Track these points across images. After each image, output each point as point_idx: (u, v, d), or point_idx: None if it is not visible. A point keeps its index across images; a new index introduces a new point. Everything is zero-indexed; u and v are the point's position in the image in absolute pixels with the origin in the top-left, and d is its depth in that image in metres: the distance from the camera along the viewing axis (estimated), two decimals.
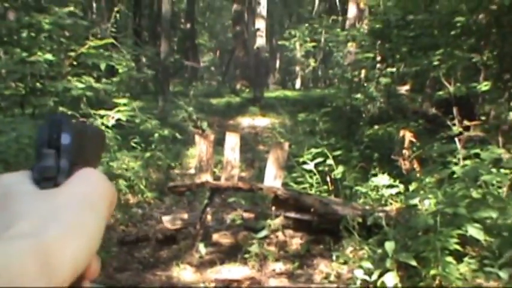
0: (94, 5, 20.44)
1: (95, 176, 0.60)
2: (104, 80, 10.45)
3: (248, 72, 22.68)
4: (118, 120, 9.49)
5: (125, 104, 10.03)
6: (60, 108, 8.67)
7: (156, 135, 11.20)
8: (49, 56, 8.77)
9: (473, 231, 5.61)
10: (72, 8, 10.12)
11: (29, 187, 0.57)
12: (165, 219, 7.68)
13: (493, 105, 11.65)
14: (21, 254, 0.47)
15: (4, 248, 0.47)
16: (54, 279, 0.49)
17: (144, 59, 17.45)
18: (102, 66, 9.52)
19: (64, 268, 0.50)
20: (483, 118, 10.67)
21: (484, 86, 10.23)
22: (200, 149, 7.92)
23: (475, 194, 6.50)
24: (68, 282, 0.50)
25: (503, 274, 5.43)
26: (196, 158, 8.05)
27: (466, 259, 5.75)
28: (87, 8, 18.75)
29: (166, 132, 11.46)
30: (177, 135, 11.88)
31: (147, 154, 10.51)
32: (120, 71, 11.50)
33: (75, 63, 9.65)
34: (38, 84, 9.20)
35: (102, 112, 9.44)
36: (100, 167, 0.61)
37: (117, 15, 15.19)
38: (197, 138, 8.12)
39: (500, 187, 7.44)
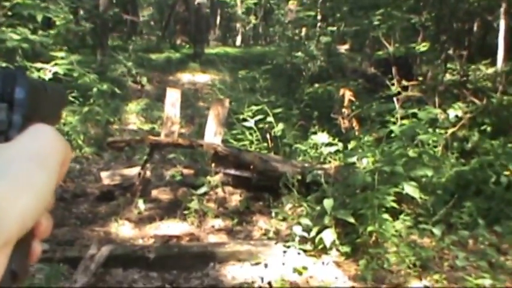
0: None
1: (48, 132, 0.57)
2: (40, 32, 10.15)
3: (188, 28, 22.41)
4: (55, 73, 9.26)
5: (62, 58, 9.78)
6: None
7: (95, 89, 10.98)
8: None
9: (409, 189, 5.74)
10: None
11: None
12: (104, 175, 7.61)
13: (430, 66, 11.86)
14: None
15: None
16: None
17: (82, 12, 17.01)
18: (39, 17, 9.22)
19: (9, 223, 0.48)
20: (421, 78, 10.86)
21: (422, 46, 10.39)
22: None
23: (411, 152, 6.64)
24: (14, 239, 0.49)
25: (436, 231, 5.59)
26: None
27: (401, 216, 5.89)
28: None
29: (105, 86, 11.25)
30: (116, 90, 11.69)
31: (85, 109, 10.30)
32: (57, 23, 11.17)
33: (9, 13, 9.34)
34: None
35: (38, 65, 9.18)
36: None
37: None
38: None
39: (435, 146, 7.62)
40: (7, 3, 9.16)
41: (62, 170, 0.57)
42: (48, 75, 9.05)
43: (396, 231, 5.66)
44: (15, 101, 0.56)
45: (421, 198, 6.00)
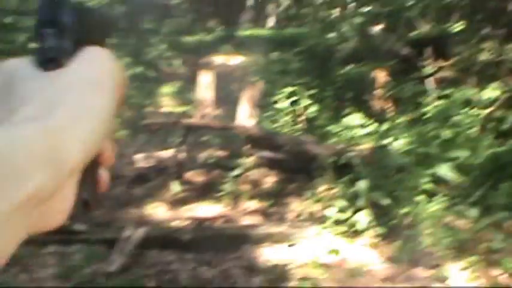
0: None
1: (102, 54, 0.56)
2: None
3: (221, 10, 22.38)
4: None
5: None
6: None
7: (129, 72, 11.05)
8: None
9: (445, 170, 5.69)
10: None
11: (32, 71, 0.53)
12: (138, 157, 7.66)
13: (465, 46, 11.69)
14: (27, 138, 0.45)
15: (9, 133, 0.45)
16: (63, 163, 0.46)
17: None
18: None
19: (73, 152, 0.47)
20: (455, 59, 10.71)
21: (457, 26, 10.24)
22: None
23: (446, 133, 6.57)
24: (79, 167, 0.49)
25: (473, 212, 5.53)
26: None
27: (437, 198, 5.84)
28: None
29: (139, 70, 11.30)
30: (150, 73, 11.73)
31: None
32: None
33: None
34: None
35: None
36: None
37: None
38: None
39: (471, 127, 7.52)
40: None
41: (120, 92, 0.56)
42: None
43: (431, 213, 5.62)
44: (64, 26, 0.55)
45: (456, 179, 5.94)
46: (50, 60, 0.53)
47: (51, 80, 0.52)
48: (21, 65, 0.54)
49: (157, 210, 6.59)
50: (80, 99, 0.51)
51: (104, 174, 0.57)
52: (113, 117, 0.54)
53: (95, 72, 0.54)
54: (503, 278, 4.84)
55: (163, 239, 5.52)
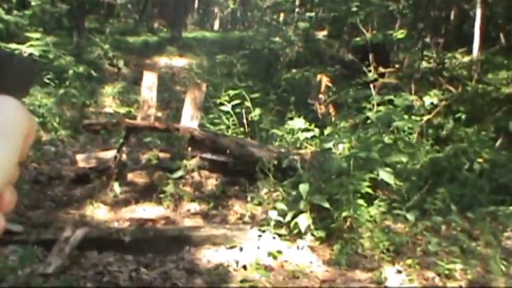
0: None
1: (11, 104, 0.56)
2: (15, 12, 10.03)
3: (166, 11, 22.28)
4: (30, 55, 9.17)
5: (37, 39, 9.69)
6: None
7: (71, 72, 10.88)
8: None
9: (385, 175, 5.79)
10: None
11: None
12: (79, 157, 7.56)
13: (407, 53, 11.93)
14: None
15: None
16: None
17: None
18: None
19: None
20: (397, 65, 10.92)
21: (400, 34, 10.43)
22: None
23: (387, 139, 6.69)
24: None
25: (410, 216, 5.65)
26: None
27: (376, 202, 5.94)
28: None
29: (81, 69, 11.15)
30: (93, 72, 11.60)
31: (61, 91, 10.21)
32: (32, 3, 11.05)
33: None
34: None
35: (13, 46, 9.08)
36: None
37: None
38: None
39: (411, 133, 7.69)
40: None
41: (26, 143, 0.56)
42: None
43: (371, 216, 5.70)
44: None
45: (395, 184, 6.06)
46: None
47: None
48: None
49: (98, 211, 6.52)
50: None
51: (0, 220, 0.56)
52: (15, 166, 0.54)
53: (2, 120, 0.54)
54: (438, 280, 4.96)
55: (103, 240, 5.45)
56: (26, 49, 9.05)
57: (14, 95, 0.59)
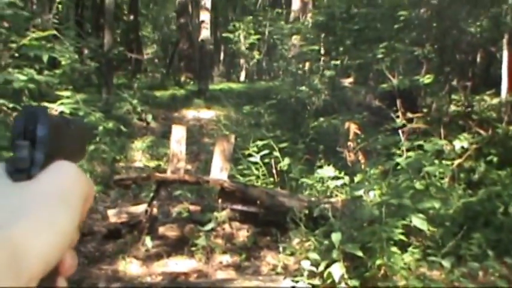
0: None
1: (71, 169, 0.59)
2: (46, 72, 10.21)
3: (193, 65, 22.53)
4: (61, 113, 9.30)
5: (68, 97, 9.83)
6: (1, 101, 8.46)
7: (101, 128, 11.01)
8: None
9: (417, 221, 5.71)
10: None
11: (1, 179, 0.55)
12: (111, 212, 7.59)
13: (434, 98, 11.89)
14: None
15: None
16: (21, 272, 0.48)
17: (87, 51, 17.16)
18: (45, 58, 9.28)
19: (32, 262, 0.49)
20: (425, 110, 10.87)
21: (426, 79, 10.42)
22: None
23: (418, 185, 6.62)
24: (37, 277, 0.50)
25: (445, 263, 5.55)
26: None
27: (410, 249, 5.85)
28: None
29: (110, 125, 11.28)
30: (122, 128, 11.73)
31: (92, 147, 10.33)
32: (62, 63, 11.26)
33: (16, 54, 9.42)
34: None
35: (45, 105, 9.21)
36: None
37: (59, 6, 14.92)
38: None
39: (442, 178, 7.60)
40: (14, 45, 9.25)
41: (85, 206, 0.59)
42: None
43: (405, 264, 5.62)
44: (37, 138, 0.57)
45: (429, 230, 5.97)
46: (19, 171, 0.56)
47: (18, 190, 0.54)
48: None
49: (130, 266, 6.51)
50: (44, 211, 0.53)
51: (62, 284, 0.57)
52: (76, 230, 0.56)
53: (61, 186, 0.56)
54: None
55: None
56: (56, 107, 9.18)
57: (72, 159, 0.61)
